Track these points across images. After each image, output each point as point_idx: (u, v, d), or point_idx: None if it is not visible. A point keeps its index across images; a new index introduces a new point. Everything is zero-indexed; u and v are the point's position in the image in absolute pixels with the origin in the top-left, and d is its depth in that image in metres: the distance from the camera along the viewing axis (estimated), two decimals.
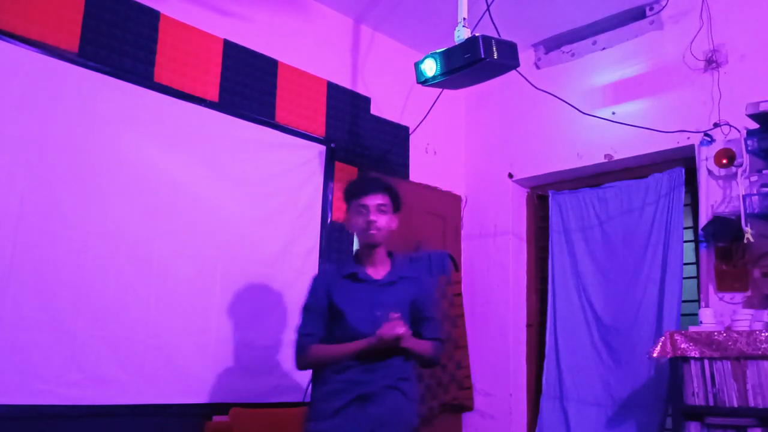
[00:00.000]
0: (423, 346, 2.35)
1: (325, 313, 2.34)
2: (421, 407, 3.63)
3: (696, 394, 2.78)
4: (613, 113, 3.77)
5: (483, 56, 2.58)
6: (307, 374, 3.38)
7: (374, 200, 2.34)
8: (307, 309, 2.38)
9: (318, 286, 2.39)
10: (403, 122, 4.17)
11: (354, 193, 2.39)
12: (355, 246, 2.91)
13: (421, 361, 2.39)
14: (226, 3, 3.39)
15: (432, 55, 2.81)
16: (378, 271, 2.39)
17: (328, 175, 3.65)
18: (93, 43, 2.87)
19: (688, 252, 3.57)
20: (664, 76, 3.61)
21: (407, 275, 2.42)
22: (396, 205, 2.43)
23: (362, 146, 3.90)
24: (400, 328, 2.17)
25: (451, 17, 2.98)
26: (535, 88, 3.80)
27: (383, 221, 2.35)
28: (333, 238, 3.63)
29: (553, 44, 4.16)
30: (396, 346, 2.21)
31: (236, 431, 2.88)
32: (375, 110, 4.03)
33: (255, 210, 3.33)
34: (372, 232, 2.33)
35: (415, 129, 4.18)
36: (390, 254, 2.45)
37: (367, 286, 2.34)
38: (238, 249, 3.23)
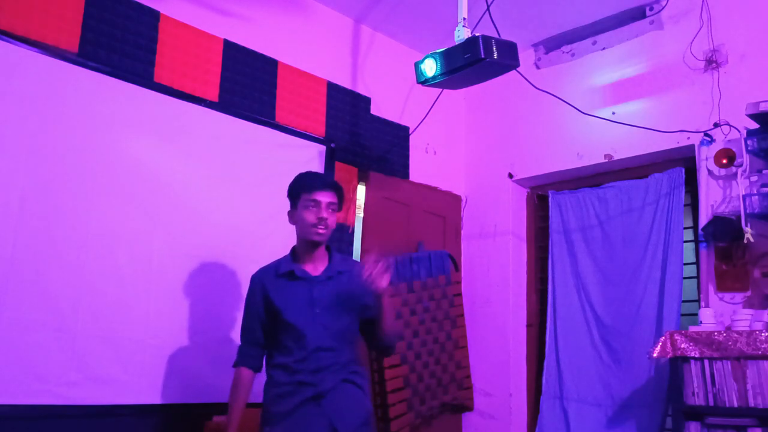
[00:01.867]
0: (392, 326, 2.34)
1: (262, 315, 2.32)
2: (421, 408, 3.63)
3: (696, 394, 2.78)
4: (613, 113, 3.77)
5: (483, 56, 2.58)
6: None
7: (326, 197, 2.31)
8: (246, 312, 2.37)
9: (254, 288, 2.36)
10: (403, 122, 4.17)
11: (305, 186, 2.33)
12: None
13: (387, 332, 2.32)
14: (226, 3, 3.39)
15: (432, 55, 2.81)
16: (316, 267, 2.35)
17: (328, 175, 3.65)
18: (93, 43, 2.87)
19: (688, 252, 3.57)
20: (664, 76, 3.61)
21: (344, 269, 2.37)
22: (342, 205, 2.39)
23: (362, 146, 3.90)
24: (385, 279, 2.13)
25: (451, 17, 2.98)
26: (535, 88, 3.80)
27: (332, 220, 2.32)
28: (333, 238, 3.61)
29: (553, 44, 4.16)
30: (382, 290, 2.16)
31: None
32: (375, 110, 4.03)
33: (255, 210, 3.33)
34: (320, 230, 2.29)
35: (415, 129, 4.18)
36: (328, 249, 2.41)
37: (305, 283, 2.31)
38: (238, 249, 3.22)
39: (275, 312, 2.28)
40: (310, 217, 2.29)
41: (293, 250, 2.42)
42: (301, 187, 2.35)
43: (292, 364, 2.24)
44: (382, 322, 2.30)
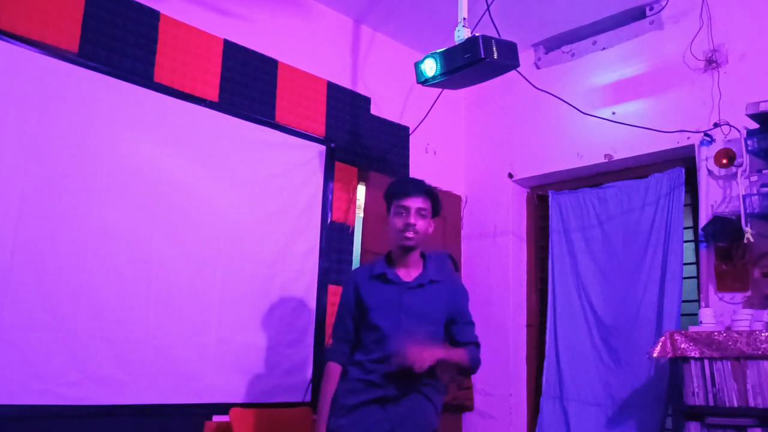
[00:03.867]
0: (458, 355, 2.33)
1: (354, 313, 2.36)
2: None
3: (696, 394, 2.78)
4: (613, 113, 3.77)
5: (483, 56, 2.58)
6: (307, 374, 3.39)
7: (415, 203, 2.33)
8: (340, 309, 2.42)
9: (347, 286, 2.42)
10: (403, 122, 4.17)
11: (395, 193, 2.38)
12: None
13: (458, 370, 2.36)
14: (226, 3, 3.38)
15: (432, 55, 2.81)
16: (410, 273, 2.37)
17: (328, 175, 3.65)
18: (93, 43, 2.87)
19: (688, 252, 3.57)
20: (664, 76, 3.61)
21: (438, 279, 2.39)
22: (436, 209, 2.42)
23: (362, 146, 3.90)
24: (427, 359, 2.13)
25: (451, 17, 2.98)
26: (535, 88, 3.80)
27: (422, 225, 2.34)
28: (333, 238, 3.63)
29: (553, 44, 4.16)
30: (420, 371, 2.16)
31: (236, 431, 2.88)
32: (375, 110, 4.03)
33: (255, 210, 3.33)
34: (409, 234, 2.31)
35: (415, 129, 4.18)
36: (423, 256, 2.43)
37: (395, 288, 2.33)
38: (238, 249, 3.23)
39: (364, 311, 2.32)
40: (398, 222, 2.33)
41: (389, 254, 2.44)
42: (392, 195, 2.40)
43: (367, 363, 2.28)
44: (448, 369, 2.33)
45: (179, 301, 2.98)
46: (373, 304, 2.31)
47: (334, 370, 2.37)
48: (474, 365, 2.41)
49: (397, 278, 2.35)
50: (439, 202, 2.44)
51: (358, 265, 2.48)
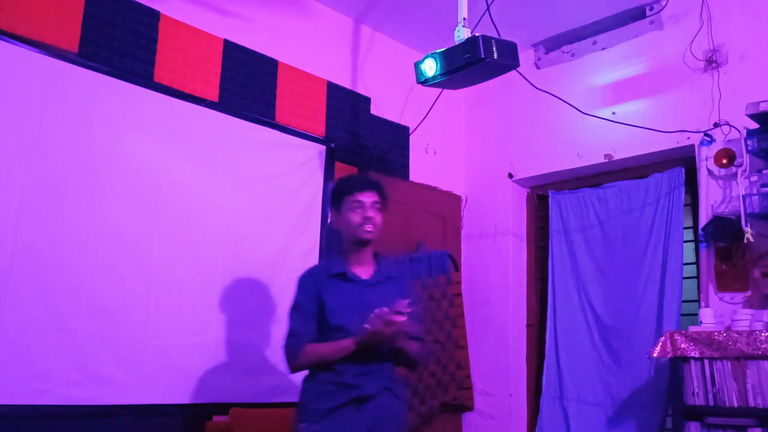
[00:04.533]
0: (413, 347, 2.32)
1: (315, 313, 2.29)
2: (421, 408, 3.63)
3: (696, 394, 2.78)
4: (613, 113, 3.77)
5: (483, 56, 2.58)
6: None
7: (370, 197, 2.31)
8: (297, 309, 2.33)
9: (307, 286, 2.33)
10: (403, 122, 4.17)
11: (348, 189, 2.34)
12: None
13: (407, 362, 2.35)
14: (226, 3, 3.39)
15: (432, 55, 2.81)
16: (365, 270, 2.35)
17: (328, 175, 3.65)
18: (93, 43, 2.87)
19: (688, 252, 3.57)
20: (664, 76, 3.61)
21: (392, 275, 2.38)
22: (385, 203, 2.39)
23: (362, 146, 3.90)
24: (397, 317, 2.09)
25: (451, 17, 2.98)
26: (535, 88, 3.80)
27: (378, 218, 2.32)
28: (333, 238, 3.62)
29: (553, 44, 4.16)
30: (390, 339, 2.15)
31: (236, 431, 2.88)
32: (375, 110, 4.03)
33: (255, 210, 3.33)
34: (368, 228, 2.29)
35: (415, 129, 4.18)
36: (375, 254, 2.41)
37: (356, 286, 2.30)
38: (238, 249, 3.23)
39: (326, 312, 2.27)
40: (355, 217, 2.29)
41: (342, 252, 2.40)
42: (343, 191, 2.36)
43: (340, 365, 2.22)
44: (401, 359, 2.32)
45: (179, 301, 2.98)
46: (335, 304, 2.26)
47: (311, 345, 2.25)
48: (422, 361, 2.45)
49: (356, 276, 2.32)
50: (387, 195, 2.40)
51: (310, 266, 2.42)
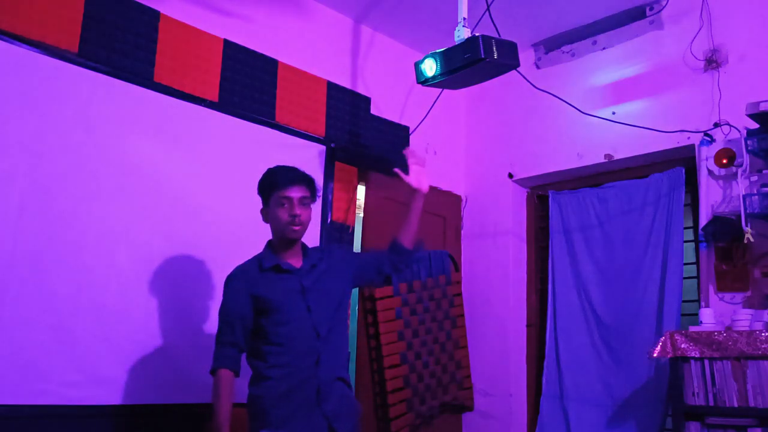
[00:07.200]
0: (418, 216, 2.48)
1: (245, 316, 2.24)
2: (421, 408, 3.63)
3: (696, 394, 2.78)
4: (613, 113, 3.77)
5: (483, 56, 2.58)
6: None
7: (297, 192, 2.27)
8: (224, 314, 2.26)
9: (237, 289, 2.25)
10: (403, 122, 4.17)
11: (275, 184, 2.29)
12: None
13: (413, 233, 2.49)
14: (226, 3, 3.38)
15: (432, 55, 2.81)
16: (296, 261, 2.33)
17: (328, 175, 3.65)
18: (93, 43, 2.87)
19: (688, 252, 3.57)
20: (664, 76, 3.61)
21: (322, 257, 2.37)
22: (314, 196, 2.36)
23: (362, 146, 3.90)
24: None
25: (451, 17, 2.98)
26: (535, 88, 3.80)
27: (306, 215, 2.29)
28: (333, 238, 3.62)
29: (553, 44, 4.16)
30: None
31: (236, 431, 2.88)
32: (375, 110, 4.03)
33: (255, 210, 3.32)
34: (296, 228, 2.26)
35: (415, 129, 4.18)
36: (302, 245, 2.39)
37: (292, 276, 2.28)
38: (238, 249, 3.20)
39: (266, 308, 2.22)
40: (283, 215, 2.26)
41: (270, 245, 2.37)
42: (271, 185, 2.31)
43: (292, 360, 2.21)
44: (411, 224, 2.46)
45: (179, 300, 2.98)
46: (276, 297, 2.22)
47: (226, 376, 2.23)
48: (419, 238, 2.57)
49: (290, 266, 2.28)
50: (316, 187, 2.37)
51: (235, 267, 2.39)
